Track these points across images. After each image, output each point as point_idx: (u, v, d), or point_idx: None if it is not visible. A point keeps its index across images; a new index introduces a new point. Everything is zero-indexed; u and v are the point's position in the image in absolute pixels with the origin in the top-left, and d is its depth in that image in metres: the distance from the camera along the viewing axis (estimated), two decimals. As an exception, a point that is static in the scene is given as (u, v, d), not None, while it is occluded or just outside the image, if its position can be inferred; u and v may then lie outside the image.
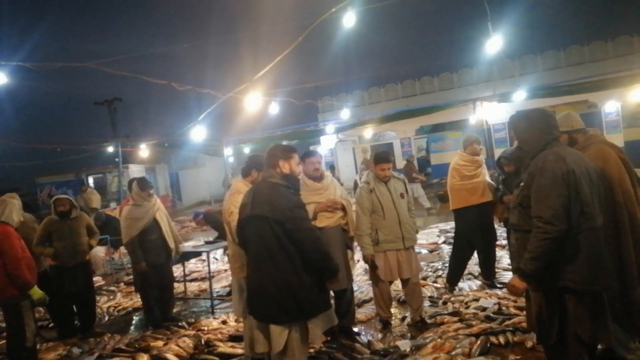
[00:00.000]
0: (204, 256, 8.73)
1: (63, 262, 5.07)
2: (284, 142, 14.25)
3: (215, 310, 5.69)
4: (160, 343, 4.55)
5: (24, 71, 6.42)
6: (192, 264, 8.65)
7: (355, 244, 4.26)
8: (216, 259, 8.72)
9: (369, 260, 4.21)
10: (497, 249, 5.58)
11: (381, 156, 4.32)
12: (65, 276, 5.10)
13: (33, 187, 21.05)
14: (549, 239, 2.39)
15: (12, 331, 4.07)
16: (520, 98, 10.88)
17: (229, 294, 6.29)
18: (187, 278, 7.41)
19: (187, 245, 6.15)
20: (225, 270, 7.26)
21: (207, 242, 6.24)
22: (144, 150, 14.00)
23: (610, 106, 15.67)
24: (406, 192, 4.36)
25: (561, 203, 2.40)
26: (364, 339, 4.13)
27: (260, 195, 2.88)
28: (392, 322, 4.45)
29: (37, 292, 4.06)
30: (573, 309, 2.50)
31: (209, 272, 6.17)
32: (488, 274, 5.30)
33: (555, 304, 2.53)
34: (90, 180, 21.30)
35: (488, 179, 5.12)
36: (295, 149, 3.13)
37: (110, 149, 14.71)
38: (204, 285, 7.07)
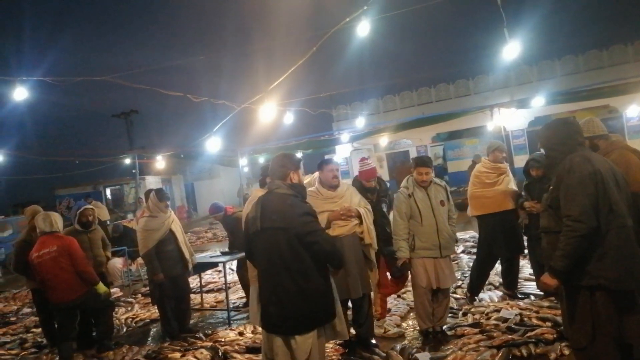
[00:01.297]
0: (220, 267, 8.74)
1: None
2: (299, 152, 14.25)
3: (231, 322, 5.66)
4: (177, 354, 4.54)
5: (44, 85, 6.56)
6: (209, 275, 8.66)
7: (373, 253, 4.17)
8: (232, 270, 8.70)
9: (404, 263, 4.11)
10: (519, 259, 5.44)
11: (420, 160, 4.24)
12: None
13: (52, 199, 21.42)
14: (579, 237, 2.45)
15: (102, 307, 4.82)
16: (538, 104, 10.73)
17: (246, 305, 6.26)
18: (204, 289, 7.43)
19: (204, 256, 6.14)
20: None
21: (223, 253, 6.23)
22: (160, 162, 14.15)
23: (632, 111, 15.35)
24: (447, 199, 4.24)
25: (589, 201, 2.46)
26: (381, 351, 4.05)
27: (269, 207, 2.86)
28: (426, 332, 4.31)
29: (102, 287, 4.68)
30: (605, 309, 2.50)
31: (225, 283, 6.14)
32: (510, 284, 5.18)
33: (587, 303, 2.54)
34: (108, 192, 21.61)
35: (513, 186, 5.02)
36: (300, 159, 3.11)
37: (127, 161, 14.92)
38: (220, 296, 7.05)
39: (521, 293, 5.14)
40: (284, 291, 2.79)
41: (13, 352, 5.47)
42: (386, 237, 4.35)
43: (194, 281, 7.95)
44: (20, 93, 6.17)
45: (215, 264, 6.24)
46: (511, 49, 6.61)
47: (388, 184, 4.88)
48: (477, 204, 5.11)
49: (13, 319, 7.30)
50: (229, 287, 7.48)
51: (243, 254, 6.08)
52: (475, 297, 5.18)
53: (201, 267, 6.13)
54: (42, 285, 4.57)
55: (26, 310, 7.73)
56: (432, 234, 4.07)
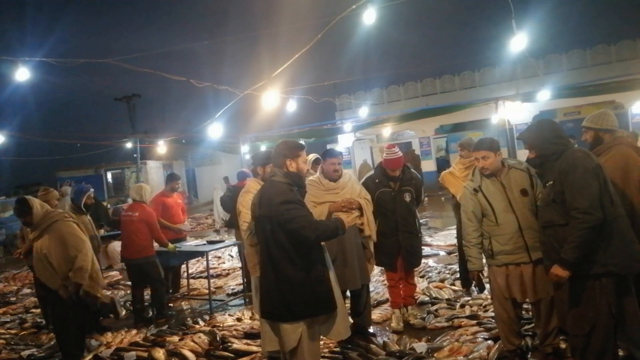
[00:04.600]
0: (219, 253, 8.77)
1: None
2: (301, 140, 14.16)
3: (230, 308, 5.69)
4: (176, 338, 4.58)
5: (46, 67, 6.54)
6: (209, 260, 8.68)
7: (372, 244, 4.16)
8: (231, 256, 8.74)
9: (474, 276, 3.53)
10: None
11: (477, 143, 3.40)
12: None
13: (54, 182, 21.41)
14: (589, 228, 2.58)
15: (154, 279, 5.37)
16: (544, 98, 10.66)
17: (243, 291, 6.28)
18: (203, 275, 7.50)
19: (188, 245, 6.04)
20: (240, 268, 7.27)
21: (209, 242, 6.17)
22: (161, 147, 14.15)
23: (638, 107, 15.23)
24: (532, 186, 3.26)
25: (595, 194, 2.61)
26: (379, 340, 4.08)
27: (263, 195, 2.91)
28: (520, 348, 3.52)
29: (171, 246, 5.53)
30: (611, 294, 2.66)
31: (207, 271, 6.06)
32: None
33: (593, 291, 2.69)
34: (109, 176, 21.65)
35: None
36: (303, 146, 3.07)
37: (129, 145, 14.91)
38: (219, 282, 7.09)
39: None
40: (272, 279, 2.84)
41: (12, 331, 5.51)
42: (408, 228, 4.26)
43: (195, 266, 7.99)
44: (22, 74, 6.13)
45: (201, 253, 6.05)
46: (518, 41, 6.53)
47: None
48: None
49: (13, 299, 7.36)
50: (228, 274, 7.53)
51: (226, 243, 6.19)
52: (470, 288, 5.21)
53: (186, 255, 6.07)
54: (122, 240, 5.56)
55: (26, 290, 7.79)
56: (513, 234, 3.21)
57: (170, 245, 5.55)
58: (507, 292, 3.33)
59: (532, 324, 3.92)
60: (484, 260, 3.57)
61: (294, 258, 2.79)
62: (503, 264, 3.30)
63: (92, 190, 5.43)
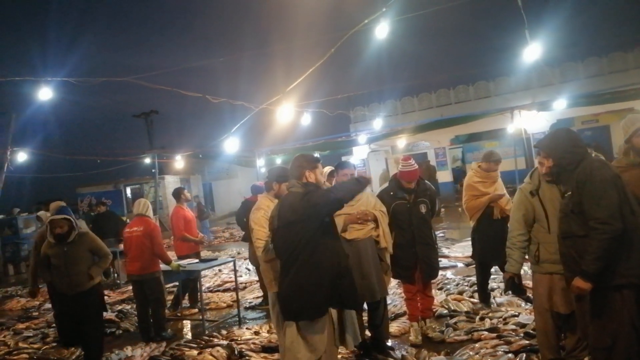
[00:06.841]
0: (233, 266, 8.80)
1: (61, 290, 4.46)
2: (316, 153, 14.23)
3: (244, 321, 5.68)
4: (194, 352, 4.60)
5: (67, 86, 6.70)
6: (225, 275, 8.74)
7: (388, 256, 4.14)
8: (248, 270, 8.78)
9: (506, 278, 3.38)
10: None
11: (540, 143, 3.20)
12: (65, 305, 4.54)
13: (74, 197, 21.81)
14: (609, 238, 2.54)
15: (156, 297, 5.26)
16: (560, 106, 10.57)
17: (261, 304, 6.29)
18: (220, 288, 7.55)
19: (182, 263, 5.74)
20: (257, 281, 7.29)
21: (202, 260, 6.07)
22: (179, 162, 14.34)
23: (657, 114, 14.97)
24: None
25: (614, 204, 2.57)
26: (397, 353, 4.04)
27: (284, 206, 3.05)
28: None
29: (174, 265, 5.41)
30: (633, 305, 2.60)
31: (200, 289, 5.94)
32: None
33: (615, 302, 2.64)
34: (128, 191, 21.99)
35: (502, 192, 4.92)
36: (319, 159, 3.23)
37: (147, 160, 15.13)
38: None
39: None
40: (297, 279, 2.93)
41: (35, 346, 5.59)
42: (425, 240, 4.25)
43: (210, 281, 8.00)
44: (45, 93, 6.33)
45: (192, 272, 5.67)
46: (532, 51, 6.51)
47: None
48: (474, 213, 5.05)
49: (35, 313, 7.48)
50: (245, 287, 7.56)
51: (217, 261, 6.17)
52: (488, 302, 5.14)
53: (178, 275, 5.70)
54: (125, 256, 5.36)
55: (48, 305, 7.90)
56: None
57: (174, 264, 5.40)
58: (547, 302, 3.24)
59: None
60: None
61: (320, 258, 2.91)
62: (547, 272, 3.21)
63: (51, 217, 4.41)
